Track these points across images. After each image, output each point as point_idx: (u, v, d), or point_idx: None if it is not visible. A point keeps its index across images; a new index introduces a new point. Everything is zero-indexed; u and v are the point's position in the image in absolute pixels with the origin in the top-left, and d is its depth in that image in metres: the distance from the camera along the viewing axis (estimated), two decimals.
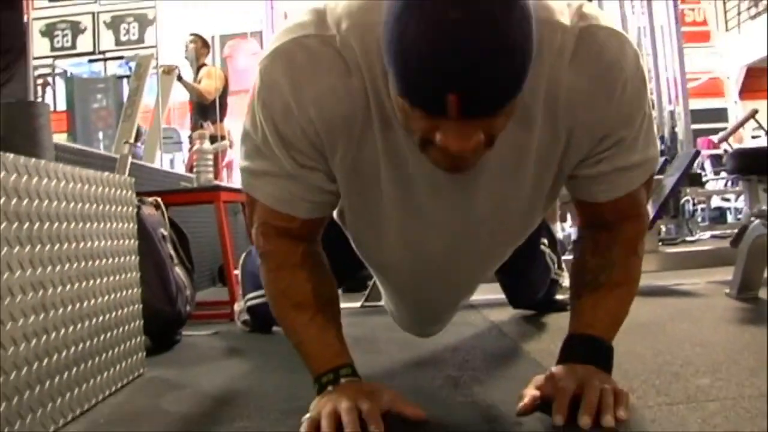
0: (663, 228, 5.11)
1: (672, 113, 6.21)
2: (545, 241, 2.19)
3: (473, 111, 0.90)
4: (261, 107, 1.13)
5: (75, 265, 1.41)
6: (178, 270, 2.29)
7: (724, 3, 12.22)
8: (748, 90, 11.13)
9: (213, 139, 4.88)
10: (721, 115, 10.45)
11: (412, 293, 1.49)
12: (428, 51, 0.86)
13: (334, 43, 1.08)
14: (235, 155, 5.98)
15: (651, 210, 3.59)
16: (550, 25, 1.04)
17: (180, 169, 5.90)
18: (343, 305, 1.34)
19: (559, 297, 2.30)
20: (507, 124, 0.97)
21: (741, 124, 5.13)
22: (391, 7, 0.89)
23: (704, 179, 6.73)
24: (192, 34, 5.98)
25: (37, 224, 1.27)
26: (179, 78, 5.53)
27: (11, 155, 1.21)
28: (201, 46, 5.96)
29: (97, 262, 1.52)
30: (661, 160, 4.60)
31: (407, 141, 1.08)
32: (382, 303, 2.84)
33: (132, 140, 3.64)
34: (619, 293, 1.27)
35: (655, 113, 6.20)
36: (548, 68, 1.05)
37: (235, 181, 6.02)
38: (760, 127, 4.63)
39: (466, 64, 0.85)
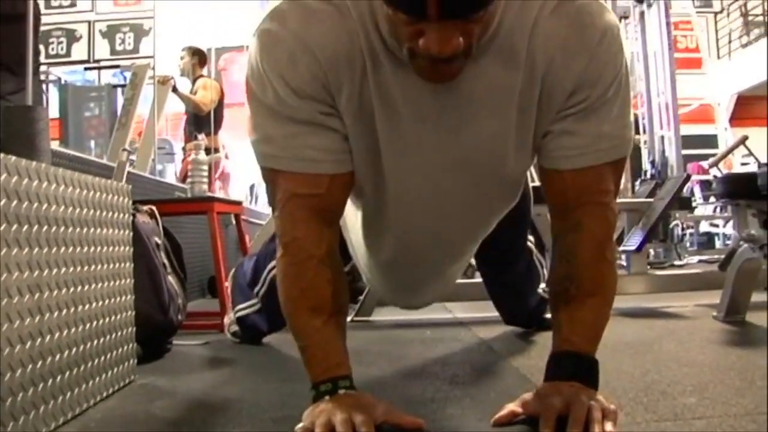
0: (652, 252, 5.15)
1: (663, 138, 6.26)
2: (531, 239, 2.20)
3: (451, 12, 0.99)
4: (267, 65, 1.18)
5: (71, 269, 1.42)
6: (171, 279, 2.29)
7: (716, 31, 12.37)
8: (737, 117, 11.24)
9: (206, 152, 4.88)
10: (711, 141, 10.50)
11: (401, 253, 1.51)
12: None
13: None
14: (228, 165, 5.98)
15: (640, 234, 3.62)
16: None
17: (171, 180, 5.89)
18: None
19: (548, 315, 2.31)
20: (483, 35, 1.09)
21: (731, 150, 5.20)
22: None
23: (693, 204, 6.78)
24: (183, 49, 5.89)
25: (36, 227, 1.28)
26: (174, 89, 5.53)
27: (13, 157, 1.22)
28: (192, 57, 5.86)
29: (93, 267, 1.53)
30: (652, 183, 4.64)
31: (395, 77, 1.18)
32: (372, 318, 2.87)
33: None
34: (592, 304, 1.26)
35: (646, 138, 6.27)
36: (533, 18, 1.15)
37: (230, 193, 6.02)
38: (750, 153, 4.69)
39: None
